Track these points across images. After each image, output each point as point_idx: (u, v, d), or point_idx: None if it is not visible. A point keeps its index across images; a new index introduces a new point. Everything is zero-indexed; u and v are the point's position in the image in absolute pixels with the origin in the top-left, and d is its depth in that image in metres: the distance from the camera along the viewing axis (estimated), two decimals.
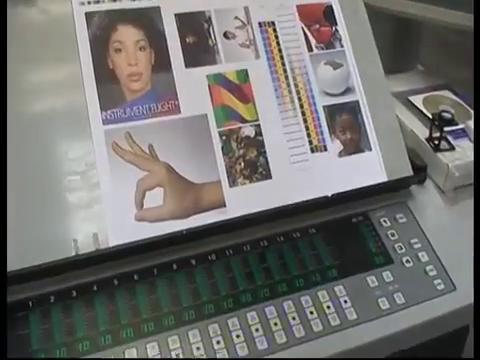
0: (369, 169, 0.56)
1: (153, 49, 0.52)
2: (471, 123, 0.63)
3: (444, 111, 0.61)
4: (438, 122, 0.60)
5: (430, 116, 0.63)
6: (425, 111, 0.66)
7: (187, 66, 0.53)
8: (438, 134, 0.60)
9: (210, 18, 0.55)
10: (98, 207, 0.46)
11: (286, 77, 0.56)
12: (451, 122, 0.60)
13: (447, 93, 0.70)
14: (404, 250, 0.52)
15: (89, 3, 0.51)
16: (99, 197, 0.47)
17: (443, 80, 0.73)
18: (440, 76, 0.73)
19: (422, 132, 0.62)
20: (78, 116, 0.48)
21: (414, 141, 0.62)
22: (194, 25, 0.55)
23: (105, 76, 0.50)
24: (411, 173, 0.58)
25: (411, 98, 0.68)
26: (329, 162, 0.55)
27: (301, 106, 0.56)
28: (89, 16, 0.51)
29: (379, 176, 0.56)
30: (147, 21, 0.53)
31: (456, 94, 0.70)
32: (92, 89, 0.49)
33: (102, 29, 0.51)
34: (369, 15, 0.64)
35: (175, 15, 0.54)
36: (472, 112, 0.66)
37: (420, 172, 0.59)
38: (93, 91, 0.49)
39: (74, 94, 0.49)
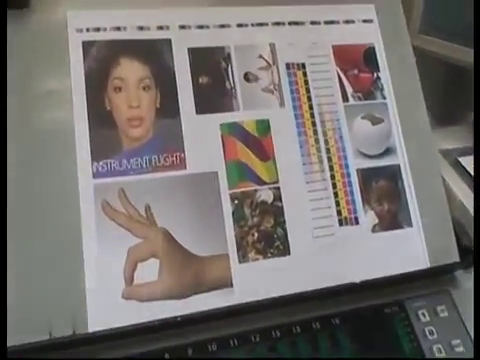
0: (408, 249, 0.57)
1: (159, 89, 0.54)
2: None
3: None
4: None
5: None
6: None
7: (198, 112, 0.54)
8: None
9: (229, 55, 0.57)
10: (79, 279, 0.46)
11: (315, 131, 0.57)
12: None
13: None
14: (443, 354, 0.52)
15: (88, 30, 0.53)
16: (80, 267, 0.47)
17: None
18: None
19: (472, 204, 0.63)
20: (64, 165, 0.50)
21: (462, 214, 0.63)
22: (210, 63, 0.57)
23: (100, 118, 0.52)
24: (457, 258, 0.58)
25: (461, 160, 0.69)
26: (360, 238, 0.56)
27: (331, 168, 0.57)
28: (87, 46, 0.53)
29: (419, 259, 0.57)
30: (155, 56, 0.55)
31: None
32: (83, 133, 0.51)
33: (101, 62, 0.53)
34: (417, 58, 0.65)
35: (188, 50, 0.56)
36: None
37: (467, 255, 0.59)
38: (84, 136, 0.51)
39: (62, 138, 0.51)
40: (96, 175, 0.51)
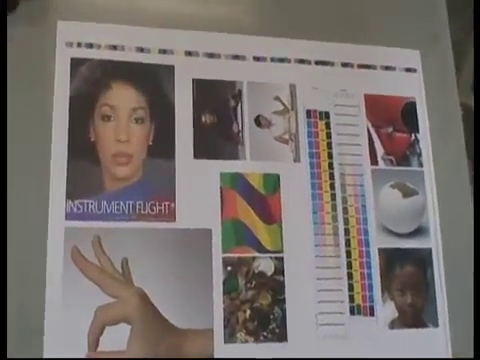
0: (430, 354, 0.70)
1: (154, 124, 0.68)
2: None
3: None
4: None
5: None
6: None
7: (197, 156, 0.68)
8: None
9: (240, 93, 0.72)
10: (37, 339, 0.59)
11: (333, 196, 0.72)
12: None
13: None
14: None
15: (79, 46, 0.68)
16: (40, 325, 0.59)
17: None
18: None
19: None
20: (34, 200, 0.62)
21: None
22: (216, 99, 0.71)
23: (82, 150, 0.65)
24: None
25: None
26: (374, 333, 0.69)
27: (347, 242, 0.71)
28: (76, 63, 0.67)
29: None
30: (153, 83, 0.69)
31: None
32: (60, 165, 0.64)
33: (90, 84, 0.67)
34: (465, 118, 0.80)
35: (193, 81, 0.70)
36: None
37: None
38: (60, 169, 0.64)
39: (35, 168, 0.63)
40: (69, 216, 0.63)
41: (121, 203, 0.64)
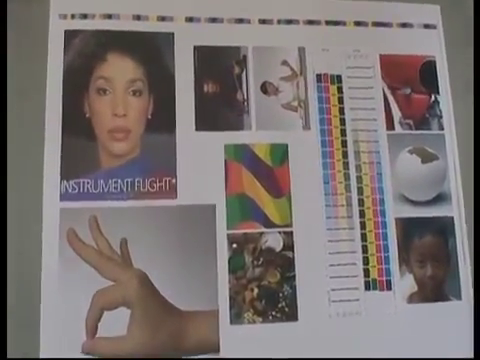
0: (452, 329, 0.65)
1: (153, 96, 0.64)
2: None
3: None
4: None
5: None
6: None
7: (199, 128, 0.64)
8: None
9: (245, 58, 0.67)
10: (33, 327, 0.56)
11: (346, 165, 0.67)
12: None
13: None
14: None
15: (73, 17, 0.64)
16: (36, 312, 0.57)
17: None
18: None
19: None
20: (28, 181, 0.59)
21: None
22: (220, 66, 0.66)
23: (76, 127, 0.62)
24: None
25: None
26: (391, 309, 0.65)
27: (361, 213, 0.66)
28: (69, 36, 0.63)
29: (464, 343, 0.65)
30: (151, 53, 0.65)
31: None
32: (54, 144, 0.61)
33: (84, 57, 0.63)
34: None
35: (194, 48, 0.66)
36: None
37: None
38: (55, 147, 0.61)
39: (28, 147, 0.60)
40: (64, 197, 0.60)
41: (119, 181, 0.61)
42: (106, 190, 0.60)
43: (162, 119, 0.63)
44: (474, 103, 0.68)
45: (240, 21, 0.67)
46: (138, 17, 0.64)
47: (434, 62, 0.72)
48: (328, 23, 0.70)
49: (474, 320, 0.62)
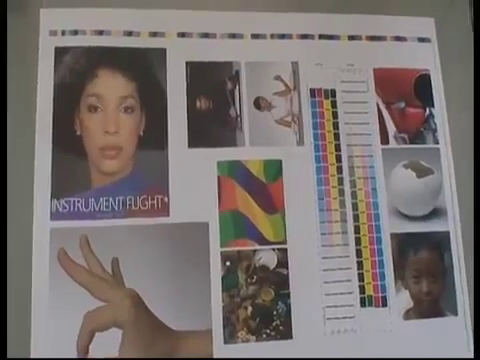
0: (449, 345, 0.64)
1: (145, 113, 0.62)
2: None
3: None
4: None
5: None
6: None
7: (191, 145, 0.62)
8: None
9: (238, 74, 0.65)
10: (23, 348, 0.54)
11: (340, 180, 0.65)
12: None
13: None
14: None
15: (63, 34, 0.62)
16: (26, 333, 0.55)
17: None
18: None
19: None
20: (18, 201, 0.58)
21: None
22: (212, 82, 0.64)
23: (67, 145, 0.60)
24: None
25: None
26: (387, 325, 0.63)
27: (356, 229, 0.64)
28: (60, 52, 0.61)
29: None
30: (143, 69, 0.63)
31: None
32: (44, 162, 0.59)
33: (75, 74, 0.61)
34: None
35: (187, 64, 0.64)
36: None
37: None
38: (45, 166, 0.59)
39: (18, 165, 0.59)
40: (55, 216, 0.58)
41: (110, 199, 0.59)
42: (97, 209, 0.58)
43: (154, 136, 0.62)
44: (474, 102, 0.66)
45: (233, 36, 0.65)
46: (129, 33, 0.63)
47: (429, 75, 0.70)
48: (321, 37, 0.68)
49: (474, 320, 0.61)
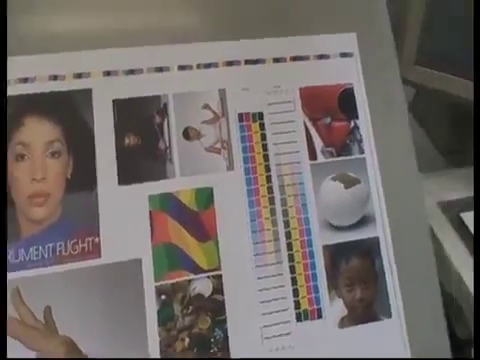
0: (385, 347, 0.49)
1: (72, 155, 0.46)
2: None
3: None
4: None
5: None
6: None
7: (121, 182, 0.46)
8: None
9: (166, 107, 0.48)
10: None
11: (271, 200, 0.49)
12: None
13: None
14: None
15: None
16: None
17: None
18: None
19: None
20: None
21: (459, 291, 0.54)
22: (140, 118, 0.48)
23: None
24: (449, 355, 0.49)
25: (464, 216, 0.59)
26: (324, 336, 0.48)
27: (289, 246, 0.48)
28: None
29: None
30: (69, 112, 0.47)
31: None
32: None
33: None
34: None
35: (113, 102, 0.47)
36: None
37: (464, 349, 0.50)
38: None
39: None
40: None
41: (40, 248, 0.43)
42: (27, 259, 0.43)
43: (82, 178, 0.46)
44: (474, 102, 0.52)
45: (159, 70, 0.49)
46: (54, 77, 0.47)
47: (352, 89, 0.54)
48: (247, 62, 0.51)
49: (474, 320, 0.46)
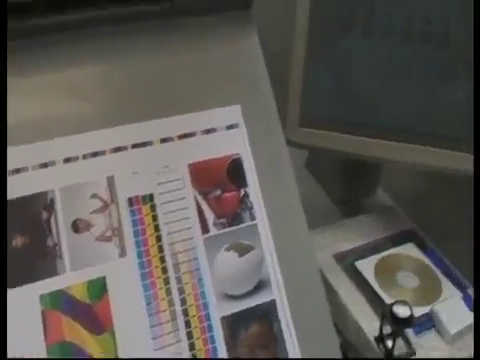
0: None
1: None
2: (438, 306, 0.48)
3: (399, 303, 0.46)
4: (390, 320, 0.46)
5: (383, 297, 0.48)
6: (377, 288, 0.51)
7: (11, 285, 0.38)
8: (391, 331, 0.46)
9: (53, 202, 0.41)
10: None
11: (166, 280, 0.42)
12: (408, 322, 0.45)
13: (411, 249, 0.55)
14: None
15: None
16: None
17: (410, 220, 0.59)
18: (409, 210, 0.59)
19: (371, 324, 0.48)
20: None
21: (359, 339, 0.48)
22: (27, 216, 0.40)
23: None
24: None
25: (359, 264, 0.53)
26: None
27: (187, 323, 0.41)
28: None
29: None
30: None
31: (424, 246, 0.56)
32: None
33: None
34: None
35: None
36: (442, 281, 0.51)
37: None
38: None
39: None
40: None
41: None
42: None
43: None
44: (474, 102, 0.47)
45: (44, 165, 0.42)
46: None
47: (240, 159, 0.48)
48: (134, 146, 0.44)
49: (474, 319, 0.43)
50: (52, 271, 0.39)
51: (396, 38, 0.51)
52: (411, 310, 0.44)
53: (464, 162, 0.48)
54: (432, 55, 0.51)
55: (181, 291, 0.42)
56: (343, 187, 0.62)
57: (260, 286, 0.44)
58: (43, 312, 0.38)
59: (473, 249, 0.40)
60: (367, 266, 0.53)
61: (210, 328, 0.41)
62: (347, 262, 0.52)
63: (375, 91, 0.52)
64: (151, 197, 0.43)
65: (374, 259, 0.53)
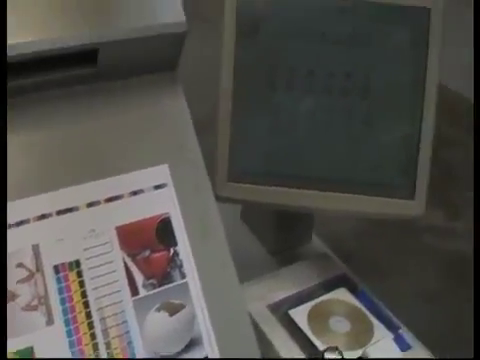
0: None
1: None
2: (369, 349, 0.51)
3: (330, 349, 0.49)
4: None
5: (315, 344, 0.50)
6: (310, 335, 0.53)
7: None
8: None
9: None
10: None
11: (95, 346, 0.42)
12: None
13: (343, 293, 0.57)
14: None
15: None
16: None
17: (343, 264, 0.62)
18: (345, 251, 0.62)
19: None
20: None
21: None
22: None
23: None
24: None
25: (293, 312, 0.55)
26: None
27: None
28: None
29: None
30: None
31: (355, 289, 0.58)
32: None
33: None
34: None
35: None
36: (374, 323, 0.54)
37: None
38: None
39: None
40: None
41: None
42: None
43: None
44: (474, 101, 0.48)
45: None
46: None
47: (169, 218, 0.49)
48: (60, 213, 0.45)
49: (474, 319, 0.42)
50: None
51: (318, 92, 0.55)
52: (342, 355, 0.46)
53: (391, 207, 0.52)
54: (352, 106, 0.54)
55: (110, 355, 0.42)
56: (277, 237, 0.65)
57: (192, 344, 0.45)
58: None
59: (473, 250, 0.44)
60: (300, 314, 0.55)
61: None
62: (281, 311, 0.54)
63: (300, 143, 0.55)
64: (77, 263, 0.44)
65: (307, 306, 0.56)
